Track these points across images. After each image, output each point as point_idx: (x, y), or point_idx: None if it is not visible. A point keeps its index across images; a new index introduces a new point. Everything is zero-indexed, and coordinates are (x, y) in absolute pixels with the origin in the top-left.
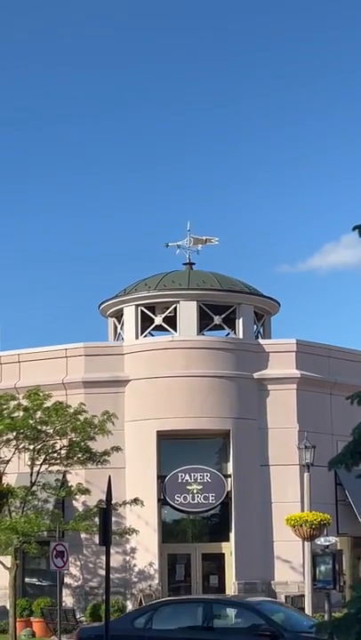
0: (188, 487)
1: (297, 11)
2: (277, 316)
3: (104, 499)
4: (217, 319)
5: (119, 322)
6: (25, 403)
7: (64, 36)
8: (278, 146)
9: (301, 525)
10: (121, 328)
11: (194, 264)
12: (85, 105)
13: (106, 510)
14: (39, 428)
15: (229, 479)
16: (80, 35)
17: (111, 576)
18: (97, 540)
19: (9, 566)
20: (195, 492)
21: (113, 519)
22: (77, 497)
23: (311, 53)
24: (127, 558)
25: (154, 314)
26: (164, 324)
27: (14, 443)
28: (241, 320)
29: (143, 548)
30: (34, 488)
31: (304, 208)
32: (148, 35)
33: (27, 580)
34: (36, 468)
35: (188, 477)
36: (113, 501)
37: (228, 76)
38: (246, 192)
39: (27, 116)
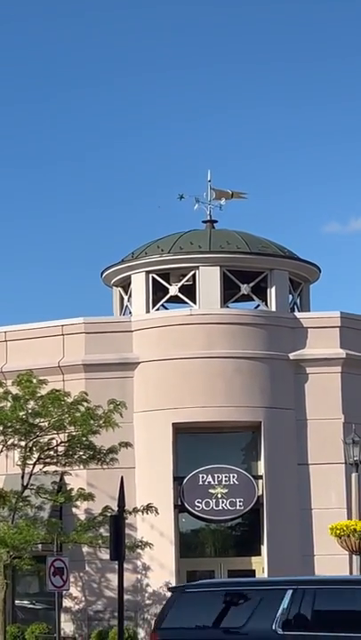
0: (211, 491)
1: None
2: (318, 285)
3: (111, 504)
4: (244, 288)
5: (126, 292)
6: (14, 390)
7: None
8: (324, 77)
9: (349, 536)
10: (128, 300)
11: (216, 222)
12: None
13: (117, 518)
14: (31, 420)
15: (260, 481)
16: None
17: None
18: (102, 555)
19: None
20: (219, 496)
21: None
22: (79, 503)
23: None
24: (139, 577)
25: (168, 282)
26: (180, 295)
27: (1, 438)
28: (273, 289)
29: (158, 565)
30: (26, 492)
31: (358, 152)
32: None
33: (17, 602)
34: (28, 469)
35: (210, 479)
36: None
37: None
38: (282, 134)
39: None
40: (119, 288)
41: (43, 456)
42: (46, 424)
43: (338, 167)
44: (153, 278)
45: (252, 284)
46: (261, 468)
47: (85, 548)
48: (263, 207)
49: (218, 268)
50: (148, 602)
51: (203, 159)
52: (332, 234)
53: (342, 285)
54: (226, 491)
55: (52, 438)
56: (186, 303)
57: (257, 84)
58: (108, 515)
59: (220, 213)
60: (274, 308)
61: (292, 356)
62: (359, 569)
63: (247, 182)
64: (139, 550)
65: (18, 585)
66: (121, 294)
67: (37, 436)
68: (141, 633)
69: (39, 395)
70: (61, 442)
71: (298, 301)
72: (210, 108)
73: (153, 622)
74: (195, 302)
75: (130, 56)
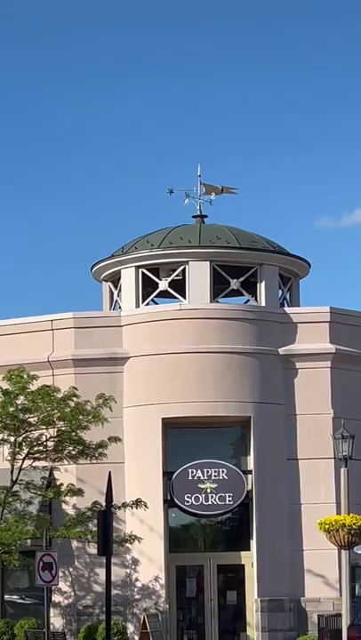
0: (201, 486)
1: None
2: (308, 280)
3: (100, 500)
4: (234, 283)
5: (116, 287)
6: (4, 385)
7: None
8: (318, 72)
9: (338, 531)
10: (118, 295)
11: (206, 217)
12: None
13: (106, 513)
14: (21, 416)
15: (250, 476)
16: None
17: None
18: (91, 550)
19: None
20: (208, 491)
21: None
22: (67, 498)
23: None
24: (128, 571)
25: (158, 277)
26: (170, 290)
27: None
28: (263, 284)
29: (147, 559)
30: (15, 487)
31: (352, 148)
32: None
33: (7, 597)
34: (17, 464)
35: (200, 474)
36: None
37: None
38: (274, 130)
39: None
40: (109, 283)
41: (32, 451)
42: (35, 419)
43: (330, 163)
44: (143, 273)
45: (241, 279)
46: (251, 462)
47: (75, 543)
48: (254, 202)
49: (208, 262)
50: (137, 596)
51: (193, 154)
52: (324, 229)
53: (333, 280)
54: (215, 486)
55: (42, 434)
56: (175, 298)
57: (249, 79)
58: (97, 510)
59: (210, 208)
60: (263, 303)
61: (281, 351)
62: (348, 564)
63: (238, 178)
64: (128, 545)
65: (8, 580)
66: (111, 289)
67: (27, 431)
68: (131, 627)
69: (29, 390)
70: (50, 437)
71: (288, 296)
72: (201, 104)
73: (142, 617)
74: (184, 297)
75: (125, 52)
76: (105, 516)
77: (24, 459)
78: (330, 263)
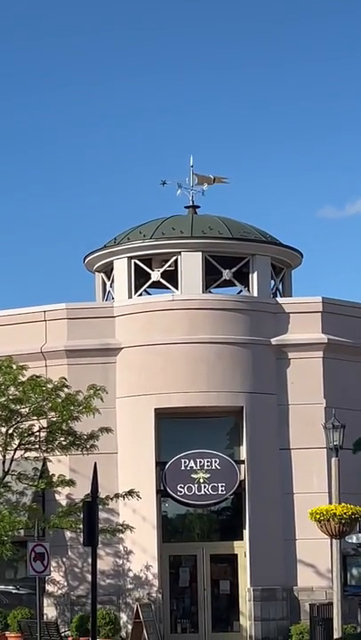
0: (194, 476)
1: None
2: (301, 271)
3: None
4: (226, 274)
5: (108, 278)
6: None
7: None
8: (314, 61)
9: (329, 520)
10: (111, 285)
11: (198, 207)
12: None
13: (91, 504)
14: (12, 406)
15: (243, 466)
16: None
17: (102, 582)
18: None
19: None
20: (201, 481)
21: (104, 515)
22: (60, 489)
23: None
24: (121, 561)
25: (150, 268)
26: (162, 280)
27: None
28: (255, 274)
29: (140, 549)
30: (7, 478)
31: (353, 134)
32: None
33: (1, 587)
34: (9, 455)
35: (192, 464)
36: (103, 494)
37: None
38: (276, 118)
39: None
40: (102, 274)
41: (23, 442)
42: (26, 410)
43: (334, 151)
44: (135, 264)
45: (233, 270)
46: (243, 452)
47: (68, 534)
48: (257, 193)
49: (200, 253)
50: (130, 586)
51: (186, 145)
52: (326, 219)
53: (329, 270)
54: (208, 475)
55: (33, 424)
56: (168, 289)
57: (244, 66)
58: (86, 500)
59: (203, 199)
60: (256, 294)
61: (274, 341)
62: (339, 553)
63: (236, 168)
64: (121, 535)
65: (5, 570)
66: (103, 280)
67: (18, 422)
68: (124, 617)
69: (20, 381)
70: (42, 428)
71: (280, 287)
72: (193, 94)
73: (135, 606)
74: (177, 288)
75: (119, 44)
76: (90, 506)
77: (15, 450)
78: (328, 253)
